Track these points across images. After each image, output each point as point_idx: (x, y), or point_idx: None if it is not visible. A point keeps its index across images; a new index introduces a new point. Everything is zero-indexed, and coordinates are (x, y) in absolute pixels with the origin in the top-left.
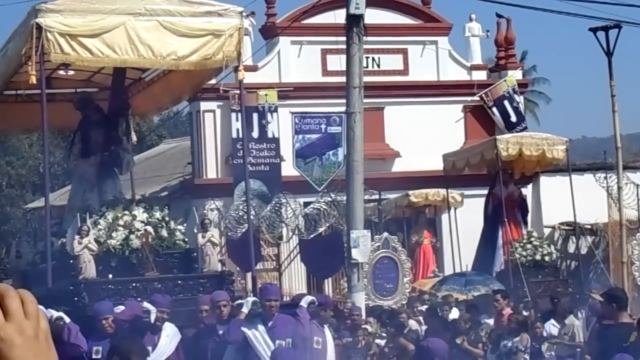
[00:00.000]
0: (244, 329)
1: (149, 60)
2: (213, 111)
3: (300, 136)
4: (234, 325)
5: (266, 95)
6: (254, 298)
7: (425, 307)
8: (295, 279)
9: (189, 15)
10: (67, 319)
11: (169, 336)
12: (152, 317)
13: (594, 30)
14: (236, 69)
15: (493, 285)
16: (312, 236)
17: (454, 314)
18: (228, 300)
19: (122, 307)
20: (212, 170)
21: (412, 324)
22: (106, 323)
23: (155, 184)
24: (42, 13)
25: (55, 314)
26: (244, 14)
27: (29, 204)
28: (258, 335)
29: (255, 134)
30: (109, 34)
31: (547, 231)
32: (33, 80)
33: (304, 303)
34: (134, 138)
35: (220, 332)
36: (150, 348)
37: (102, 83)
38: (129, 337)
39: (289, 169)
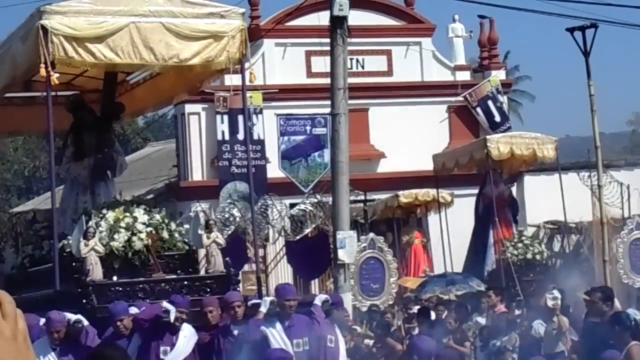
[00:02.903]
0: (263, 328)
1: (151, 64)
2: (198, 113)
3: (286, 138)
4: (253, 325)
5: (251, 97)
6: (272, 298)
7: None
8: (281, 281)
9: (191, 16)
10: (86, 322)
11: (187, 337)
12: (172, 317)
13: (571, 30)
14: (240, 71)
15: (472, 283)
16: (298, 237)
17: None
18: (242, 300)
19: (135, 309)
20: (197, 173)
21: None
22: (121, 325)
23: (141, 186)
24: (46, 15)
25: (73, 317)
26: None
27: (14, 208)
28: (276, 335)
29: (240, 135)
30: (113, 37)
31: (531, 230)
32: (54, 81)
33: (318, 302)
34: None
35: (235, 332)
36: (168, 348)
37: (83, 86)
38: (109, 343)
39: (274, 171)
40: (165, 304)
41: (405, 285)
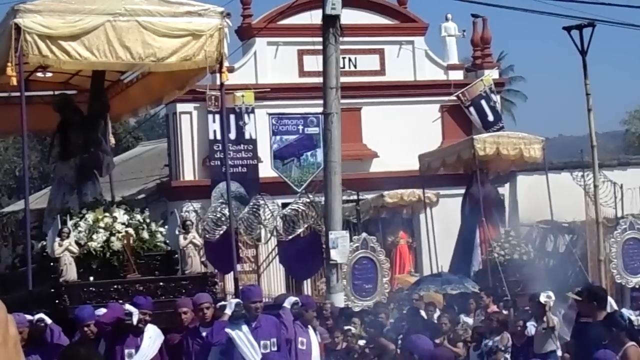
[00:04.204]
0: (228, 330)
1: (128, 63)
2: (190, 113)
3: (278, 137)
4: (217, 327)
5: (243, 96)
6: (237, 300)
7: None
8: (274, 281)
9: (169, 15)
10: (49, 320)
11: (152, 338)
12: (135, 319)
13: (568, 29)
14: (218, 71)
15: (467, 284)
16: (290, 237)
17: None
18: (211, 302)
19: (103, 310)
20: (189, 172)
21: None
22: (88, 330)
23: (132, 186)
24: (20, 13)
25: (36, 316)
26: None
27: (5, 208)
28: (242, 336)
29: (232, 135)
30: (88, 35)
31: (524, 230)
32: (13, 82)
33: (287, 304)
34: (112, 140)
35: (204, 334)
36: (133, 351)
37: (80, 85)
38: (83, 343)
39: (266, 170)
40: (127, 306)
41: (403, 283)
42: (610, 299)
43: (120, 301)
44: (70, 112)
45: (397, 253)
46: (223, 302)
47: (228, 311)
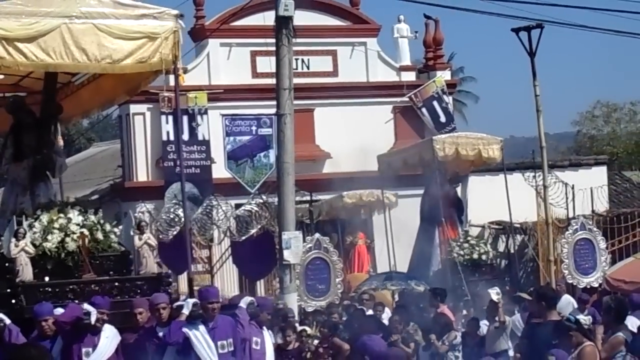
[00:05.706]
0: (186, 330)
1: (84, 65)
2: (143, 114)
3: (231, 138)
4: (175, 327)
5: (196, 97)
6: (194, 300)
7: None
8: (227, 281)
9: (124, 17)
10: (8, 320)
11: (109, 337)
12: (93, 319)
13: (516, 30)
14: (173, 72)
15: (411, 282)
16: (243, 238)
17: (386, 314)
18: (167, 302)
19: (60, 310)
20: (142, 173)
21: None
22: (46, 325)
23: (85, 187)
24: None
25: None
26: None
27: None
28: (199, 336)
29: (185, 136)
30: (44, 37)
31: (475, 230)
32: None
33: (243, 304)
34: (61, 142)
35: (160, 334)
36: (90, 349)
37: (31, 87)
38: (34, 343)
39: (219, 171)
40: (85, 306)
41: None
42: (571, 299)
43: (77, 301)
44: (24, 114)
45: (356, 253)
46: (180, 302)
47: (185, 311)
